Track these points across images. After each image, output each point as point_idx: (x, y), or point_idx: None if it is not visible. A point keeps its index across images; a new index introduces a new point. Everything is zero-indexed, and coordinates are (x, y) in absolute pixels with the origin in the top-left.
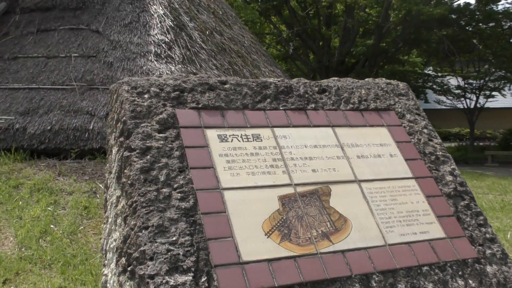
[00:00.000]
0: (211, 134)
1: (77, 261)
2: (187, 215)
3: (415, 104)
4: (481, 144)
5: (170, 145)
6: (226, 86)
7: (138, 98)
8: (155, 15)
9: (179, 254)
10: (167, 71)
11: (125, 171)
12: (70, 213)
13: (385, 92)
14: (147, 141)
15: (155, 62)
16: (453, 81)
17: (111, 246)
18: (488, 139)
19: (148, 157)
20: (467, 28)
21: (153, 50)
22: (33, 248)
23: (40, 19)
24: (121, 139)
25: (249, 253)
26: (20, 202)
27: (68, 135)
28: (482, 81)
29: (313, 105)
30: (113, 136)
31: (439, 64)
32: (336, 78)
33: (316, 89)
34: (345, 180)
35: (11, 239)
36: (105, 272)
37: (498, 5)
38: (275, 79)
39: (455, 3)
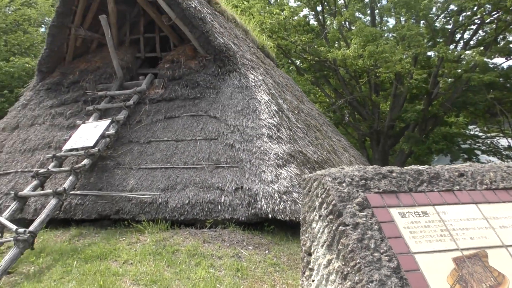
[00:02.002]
0: (394, 212)
1: None
2: (395, 272)
3: None
4: None
5: (370, 221)
6: (393, 174)
7: (339, 187)
8: (262, 101)
9: None
10: (281, 151)
11: (342, 240)
12: (227, 275)
13: (508, 174)
14: (355, 218)
15: (269, 143)
16: (502, 142)
17: None
18: None
19: (359, 230)
20: None
21: (266, 133)
22: None
23: (166, 108)
24: (331, 217)
25: None
26: (183, 265)
27: (203, 207)
28: None
29: (457, 187)
30: (314, 213)
31: (486, 125)
32: (468, 164)
33: (456, 173)
34: (495, 245)
35: None
36: None
37: None
38: (425, 167)
39: (500, 65)
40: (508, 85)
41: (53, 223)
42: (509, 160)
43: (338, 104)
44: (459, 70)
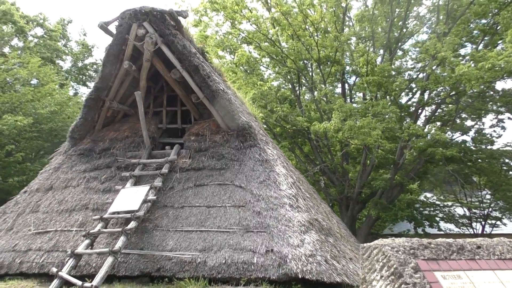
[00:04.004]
0: (438, 275)
1: None
2: None
3: None
4: None
5: (423, 281)
6: (432, 245)
7: (397, 254)
8: (281, 174)
9: None
10: (302, 218)
11: None
12: None
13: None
14: (412, 279)
15: (291, 211)
16: (458, 210)
17: None
18: None
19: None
20: (468, 163)
21: (287, 202)
22: None
23: (195, 176)
24: (392, 277)
25: None
26: None
27: (238, 267)
28: (486, 210)
29: (478, 257)
30: (375, 274)
31: (442, 194)
32: (481, 238)
33: (475, 246)
34: None
35: None
36: None
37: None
38: (452, 240)
39: (454, 140)
40: (465, 159)
41: None
42: (464, 227)
43: (314, 171)
44: (421, 144)
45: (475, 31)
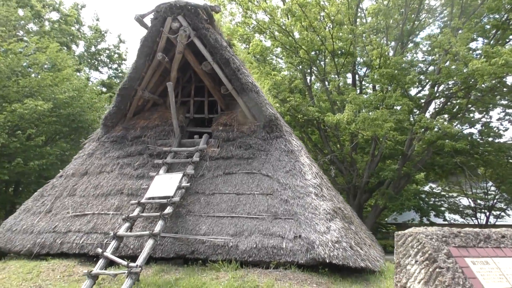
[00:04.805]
0: (468, 261)
1: None
2: None
3: None
4: None
5: (455, 266)
6: (461, 234)
7: (431, 241)
8: (305, 164)
9: None
10: (327, 207)
11: (439, 278)
12: None
13: None
14: (446, 264)
15: (317, 200)
16: (463, 201)
17: None
18: None
19: (451, 271)
20: (475, 156)
21: (313, 191)
22: None
23: (224, 165)
24: (427, 262)
25: None
26: None
27: (267, 251)
28: (490, 202)
29: (502, 245)
30: (410, 259)
31: (448, 185)
32: (504, 228)
33: (500, 235)
34: None
35: None
36: None
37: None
38: (479, 230)
39: (460, 132)
40: (472, 152)
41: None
42: (468, 217)
43: (324, 160)
44: (431, 136)
45: (487, 26)
